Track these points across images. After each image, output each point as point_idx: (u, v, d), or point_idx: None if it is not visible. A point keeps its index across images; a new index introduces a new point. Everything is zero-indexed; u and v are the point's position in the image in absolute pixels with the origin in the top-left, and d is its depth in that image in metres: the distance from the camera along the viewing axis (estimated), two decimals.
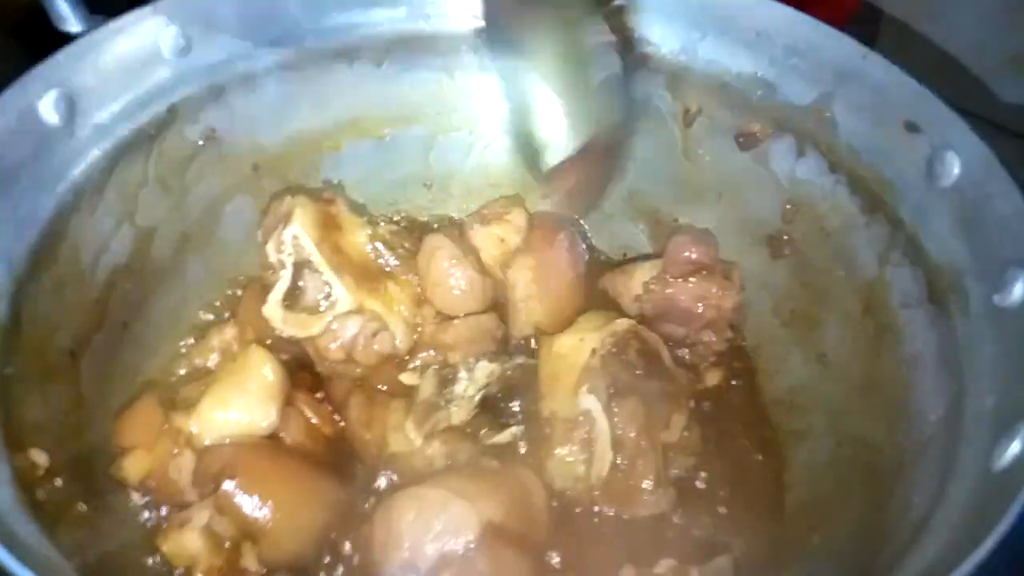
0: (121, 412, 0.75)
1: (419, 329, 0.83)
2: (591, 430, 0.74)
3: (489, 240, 0.87)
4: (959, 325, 0.68)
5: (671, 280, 0.85)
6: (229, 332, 0.83)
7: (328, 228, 0.80)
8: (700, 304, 0.84)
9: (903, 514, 0.64)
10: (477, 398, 0.78)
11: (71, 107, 0.68)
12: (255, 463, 0.71)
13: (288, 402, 0.76)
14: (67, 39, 0.70)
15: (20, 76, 0.66)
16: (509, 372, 0.80)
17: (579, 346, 0.77)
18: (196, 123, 0.80)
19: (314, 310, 0.79)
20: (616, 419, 0.73)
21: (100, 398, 0.74)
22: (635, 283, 0.88)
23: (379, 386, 0.82)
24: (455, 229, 0.90)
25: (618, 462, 0.72)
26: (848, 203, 0.80)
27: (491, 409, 0.80)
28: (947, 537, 0.56)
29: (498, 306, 0.87)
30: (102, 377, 0.75)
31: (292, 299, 0.79)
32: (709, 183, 0.92)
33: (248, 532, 0.69)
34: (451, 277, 0.82)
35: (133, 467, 0.72)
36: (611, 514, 0.74)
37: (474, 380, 0.78)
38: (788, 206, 0.86)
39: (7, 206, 0.64)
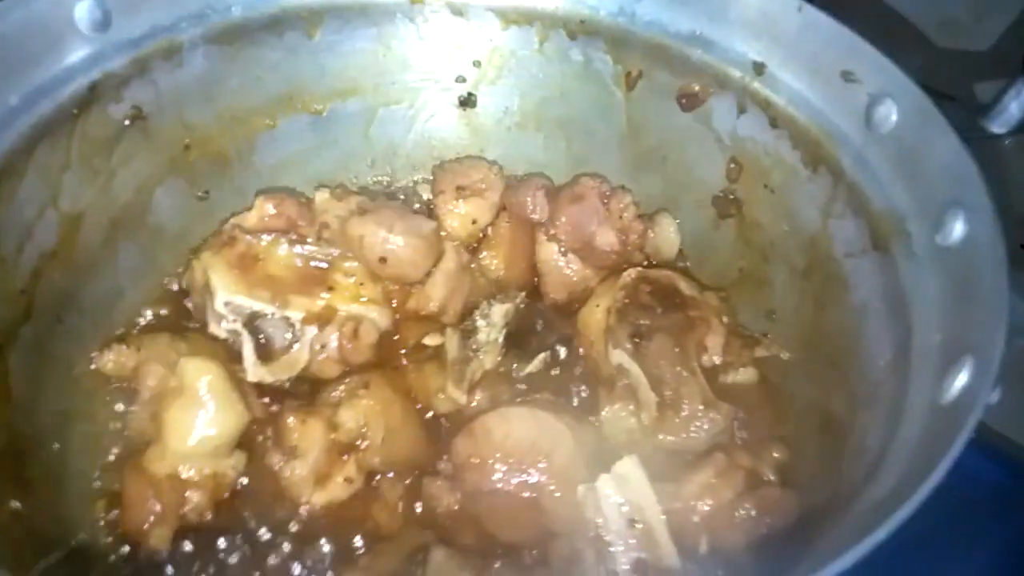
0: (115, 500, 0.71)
1: (393, 301, 0.82)
2: (629, 381, 0.76)
3: (460, 219, 0.86)
4: (903, 269, 0.69)
5: (558, 225, 0.85)
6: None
7: (247, 267, 0.78)
8: (594, 217, 0.84)
9: (859, 459, 0.64)
10: (501, 339, 0.80)
11: None
12: None
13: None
14: None
15: None
16: (521, 306, 0.83)
17: (597, 311, 0.81)
18: (120, 101, 0.77)
19: (289, 347, 0.78)
20: (646, 361, 0.75)
21: (32, 393, 0.71)
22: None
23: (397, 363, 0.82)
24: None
25: (665, 396, 0.74)
26: (790, 157, 0.80)
27: (514, 347, 0.82)
28: (900, 472, 0.56)
29: None
30: (33, 371, 0.72)
31: (265, 352, 0.77)
32: (653, 147, 0.91)
33: None
34: (392, 255, 0.79)
35: (162, 536, 0.69)
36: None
37: (493, 324, 0.80)
38: (732, 165, 0.86)
39: None
